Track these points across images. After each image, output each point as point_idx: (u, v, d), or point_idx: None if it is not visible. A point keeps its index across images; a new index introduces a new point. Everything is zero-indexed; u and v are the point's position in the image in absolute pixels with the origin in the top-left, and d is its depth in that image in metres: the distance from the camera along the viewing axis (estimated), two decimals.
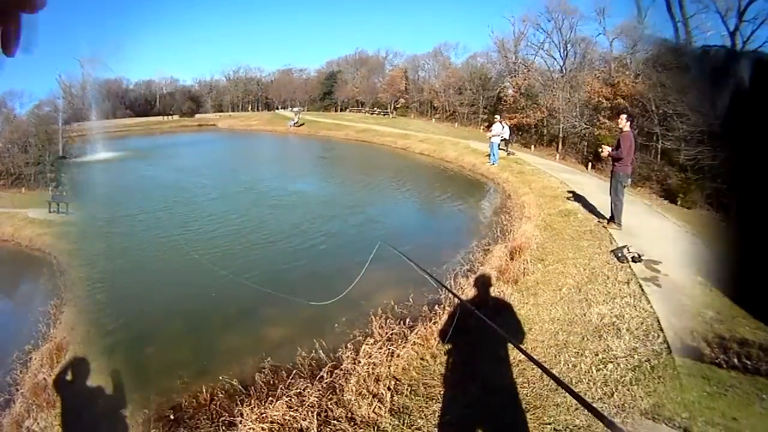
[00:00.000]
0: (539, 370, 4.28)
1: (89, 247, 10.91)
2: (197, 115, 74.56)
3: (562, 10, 36.97)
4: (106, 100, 44.95)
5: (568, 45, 37.26)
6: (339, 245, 10.23)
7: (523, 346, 4.80)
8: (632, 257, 7.01)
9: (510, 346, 4.76)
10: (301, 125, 48.37)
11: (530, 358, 1.05)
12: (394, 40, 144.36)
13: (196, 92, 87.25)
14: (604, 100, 30.51)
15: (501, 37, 44.28)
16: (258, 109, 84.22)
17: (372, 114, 57.89)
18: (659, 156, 26.34)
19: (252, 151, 34.39)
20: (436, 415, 3.87)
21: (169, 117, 71.56)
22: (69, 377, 5.52)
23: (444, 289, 5.77)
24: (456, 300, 5.96)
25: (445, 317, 5.48)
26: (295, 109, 60.97)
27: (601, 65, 35.43)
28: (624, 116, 8.87)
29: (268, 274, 8.39)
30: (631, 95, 29.35)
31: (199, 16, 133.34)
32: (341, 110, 68.53)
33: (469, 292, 6.24)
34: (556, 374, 4.26)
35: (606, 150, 9.16)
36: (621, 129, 8.77)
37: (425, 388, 4.25)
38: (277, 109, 77.96)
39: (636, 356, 4.40)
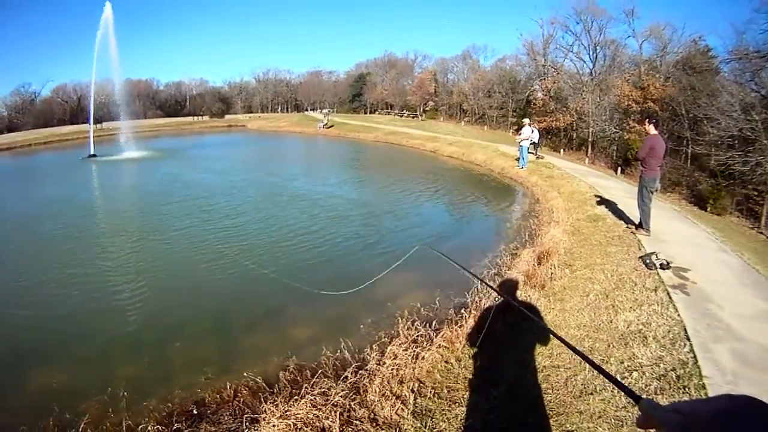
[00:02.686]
0: (563, 376, 4.24)
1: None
2: (227, 116, 75.71)
3: (590, 11, 36.45)
4: (136, 100, 45.78)
5: (598, 47, 36.68)
6: (370, 246, 10.21)
7: (548, 353, 4.76)
8: (660, 264, 6.88)
9: (536, 351, 4.74)
10: (330, 127, 48.74)
11: (568, 345, 1.10)
12: (423, 43, 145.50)
13: (225, 93, 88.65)
14: (633, 104, 29.99)
15: (530, 39, 44.12)
16: (287, 111, 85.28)
17: (401, 116, 58.18)
18: (689, 161, 25.79)
19: (284, 154, 34.62)
20: (459, 418, 3.86)
21: (199, 117, 72.77)
22: None
23: (486, 286, 5.79)
24: (483, 304, 5.95)
25: (471, 321, 5.46)
26: (324, 111, 61.45)
27: (631, 68, 34.77)
28: (646, 120, 8.80)
29: (300, 273, 8.36)
30: (661, 98, 28.81)
31: (229, 19, 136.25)
32: (370, 112, 69.03)
33: (495, 296, 6.21)
34: (582, 379, 4.24)
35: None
36: (647, 133, 8.66)
37: (449, 391, 4.24)
38: (306, 110, 78.73)
39: (662, 365, 4.31)
